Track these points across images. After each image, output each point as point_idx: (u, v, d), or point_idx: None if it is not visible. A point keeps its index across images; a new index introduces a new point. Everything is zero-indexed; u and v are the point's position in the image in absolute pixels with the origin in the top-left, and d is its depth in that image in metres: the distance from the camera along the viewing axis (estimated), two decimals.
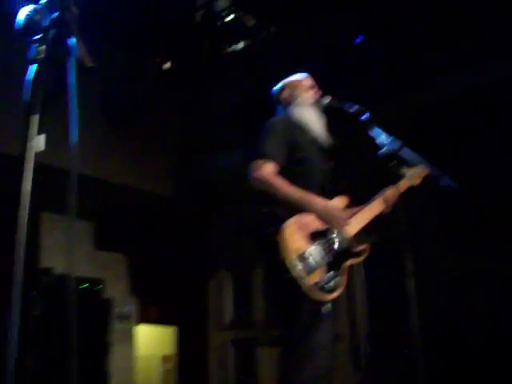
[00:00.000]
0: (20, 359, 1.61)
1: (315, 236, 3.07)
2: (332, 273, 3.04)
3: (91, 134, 6.63)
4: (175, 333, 9.17)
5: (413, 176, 3.60)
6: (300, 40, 6.61)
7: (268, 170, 3.12)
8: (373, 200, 3.47)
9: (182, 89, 7.91)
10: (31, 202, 1.72)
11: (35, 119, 1.77)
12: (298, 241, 3.00)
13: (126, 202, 7.80)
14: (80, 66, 1.83)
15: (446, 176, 3.20)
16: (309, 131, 3.44)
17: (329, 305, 2.97)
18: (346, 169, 3.70)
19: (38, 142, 1.76)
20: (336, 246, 3.12)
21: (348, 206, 3.35)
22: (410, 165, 3.45)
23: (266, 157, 3.17)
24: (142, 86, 7.39)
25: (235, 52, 7.09)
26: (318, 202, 3.10)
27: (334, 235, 3.14)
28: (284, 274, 2.92)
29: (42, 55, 1.82)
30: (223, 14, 6.71)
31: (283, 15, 6.72)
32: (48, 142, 1.95)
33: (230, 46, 7.12)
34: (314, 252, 3.01)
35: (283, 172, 3.21)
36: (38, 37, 1.85)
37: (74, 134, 1.90)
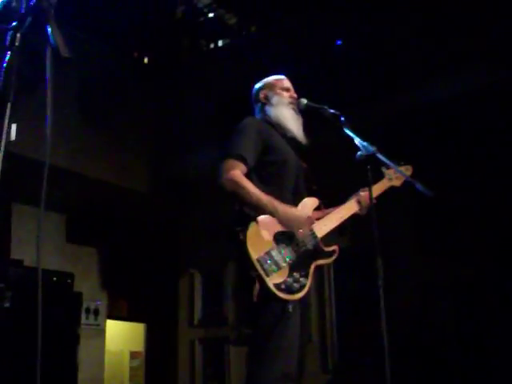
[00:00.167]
0: None
1: (281, 236, 3.07)
2: (296, 273, 3.03)
3: (66, 125, 6.58)
4: (144, 329, 9.15)
5: (393, 177, 3.61)
6: (279, 40, 6.62)
7: (239, 171, 3.11)
8: (347, 201, 3.48)
9: (160, 85, 7.88)
10: (2, 192, 1.70)
11: (7, 108, 1.75)
12: (262, 240, 3.00)
13: (100, 196, 7.76)
14: (56, 56, 1.81)
15: (419, 183, 3.21)
16: (284, 131, 3.44)
17: (292, 305, 2.94)
18: (321, 170, 3.71)
19: (10, 132, 1.74)
20: (303, 246, 3.12)
21: (319, 207, 3.35)
22: (387, 167, 3.46)
23: (236, 157, 3.15)
24: (119, 81, 7.34)
25: (214, 50, 7.09)
26: (280, 208, 3.07)
27: (302, 236, 3.14)
28: (248, 273, 2.93)
29: (17, 43, 1.79)
30: (205, 11, 6.70)
31: (264, 15, 6.72)
32: (20, 132, 1.92)
33: (210, 43, 7.12)
34: (277, 252, 3.01)
35: (257, 172, 3.21)
36: (14, 24, 1.82)
37: (48, 125, 1.88)
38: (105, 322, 8.62)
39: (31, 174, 2.53)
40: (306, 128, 3.54)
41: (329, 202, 3.44)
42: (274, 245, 3.02)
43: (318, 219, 3.30)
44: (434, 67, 5.81)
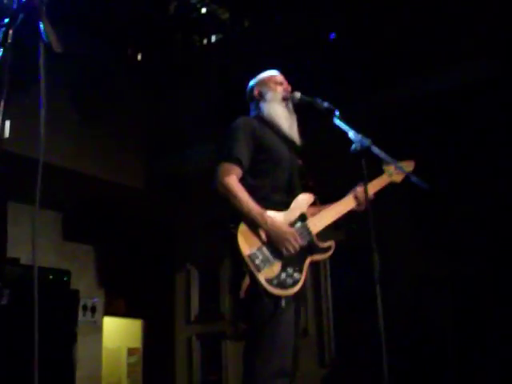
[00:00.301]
0: None
1: None
2: (290, 269, 3.03)
3: (60, 123, 6.56)
4: (141, 326, 9.15)
5: (394, 172, 3.57)
6: (273, 35, 6.61)
7: (234, 176, 3.12)
8: (344, 197, 3.47)
9: (154, 81, 7.86)
10: None
11: (1, 105, 1.74)
12: (255, 236, 3.01)
13: (96, 194, 7.75)
14: (48, 51, 1.80)
15: (415, 176, 3.20)
16: (278, 128, 3.43)
17: (284, 301, 2.94)
18: (318, 166, 3.70)
19: (3, 129, 1.73)
20: (290, 257, 3.09)
21: (315, 203, 3.34)
22: (386, 162, 3.42)
23: (232, 160, 3.16)
24: (113, 78, 7.32)
25: (208, 45, 7.07)
26: (270, 223, 3.05)
27: (297, 231, 3.13)
28: (240, 269, 2.94)
29: (10, 40, 1.79)
30: (197, 7, 6.68)
31: (257, 9, 6.71)
32: (14, 129, 1.92)
33: (203, 39, 7.11)
34: (270, 247, 3.01)
35: (249, 170, 3.22)
36: (6, 21, 1.81)
37: (42, 122, 1.87)
38: (102, 318, 8.62)
39: (26, 172, 2.52)
40: (301, 123, 3.54)
41: (326, 198, 3.43)
42: (265, 241, 3.02)
43: (313, 215, 3.28)
44: (431, 59, 5.80)
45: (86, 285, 8.25)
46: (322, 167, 4.56)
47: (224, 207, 3.16)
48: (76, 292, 7.64)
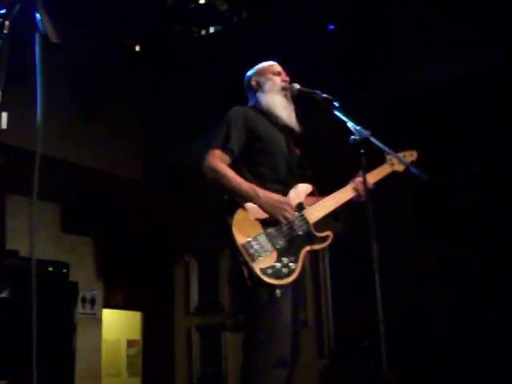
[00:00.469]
0: None
1: (270, 221, 3.06)
2: (285, 258, 3.01)
3: (58, 115, 6.54)
4: (141, 318, 9.15)
5: (395, 162, 3.54)
6: (271, 26, 6.59)
7: (220, 159, 3.12)
8: (343, 187, 3.45)
9: (154, 72, 7.84)
10: None
11: None
12: (250, 226, 3.00)
13: (94, 186, 7.73)
14: (45, 42, 1.79)
15: (415, 167, 3.19)
16: (276, 118, 3.42)
17: (280, 290, 2.93)
18: (316, 156, 3.69)
19: (1, 121, 1.73)
20: (294, 231, 3.10)
21: (313, 193, 3.33)
22: (386, 152, 3.38)
23: (219, 147, 3.16)
24: (111, 69, 7.30)
25: (206, 36, 7.05)
26: (262, 195, 3.07)
27: (294, 220, 3.12)
28: (237, 259, 2.93)
29: (6, 31, 1.77)
30: None
31: (255, 1, 6.69)
32: (11, 121, 1.91)
33: (201, 30, 7.08)
34: (265, 237, 3.00)
35: (245, 161, 3.22)
36: (3, 12, 1.80)
37: (40, 114, 1.86)
38: (101, 311, 8.61)
39: (24, 164, 2.51)
40: (300, 113, 3.53)
41: (325, 188, 3.41)
42: (261, 230, 3.02)
43: (311, 205, 3.27)
44: (428, 50, 5.78)
45: (84, 277, 8.25)
46: (321, 157, 4.56)
47: (220, 198, 3.16)
48: (75, 284, 7.65)
